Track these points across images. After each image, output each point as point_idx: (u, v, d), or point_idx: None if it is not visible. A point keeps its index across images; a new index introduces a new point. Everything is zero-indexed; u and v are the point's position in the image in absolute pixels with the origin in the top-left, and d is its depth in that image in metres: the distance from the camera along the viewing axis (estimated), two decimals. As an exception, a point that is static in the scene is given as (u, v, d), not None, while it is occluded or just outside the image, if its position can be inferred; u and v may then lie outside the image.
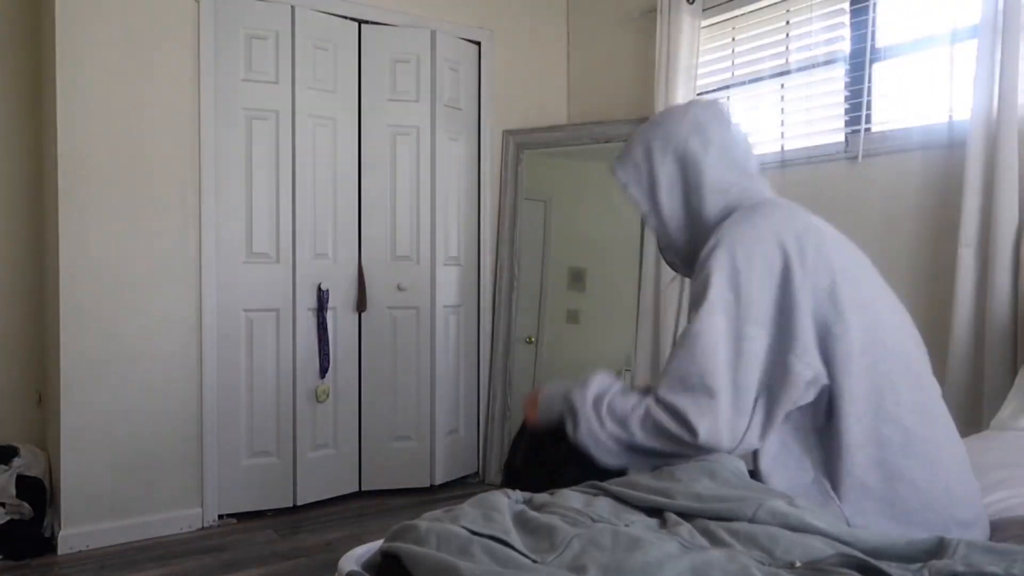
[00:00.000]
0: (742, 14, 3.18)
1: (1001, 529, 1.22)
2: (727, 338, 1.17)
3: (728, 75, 3.25)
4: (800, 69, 2.96)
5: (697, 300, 1.21)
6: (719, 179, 1.33)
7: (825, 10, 2.88)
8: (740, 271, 1.19)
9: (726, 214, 1.30)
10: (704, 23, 3.28)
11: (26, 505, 2.78)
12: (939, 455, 1.19)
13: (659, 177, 1.38)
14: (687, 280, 1.43)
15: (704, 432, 1.15)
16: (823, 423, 1.20)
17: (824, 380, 1.17)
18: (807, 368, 1.15)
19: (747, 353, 1.16)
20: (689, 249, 1.39)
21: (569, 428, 1.28)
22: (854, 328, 1.17)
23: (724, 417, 1.15)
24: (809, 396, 1.17)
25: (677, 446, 1.18)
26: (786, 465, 1.21)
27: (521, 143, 3.84)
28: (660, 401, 1.20)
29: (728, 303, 1.18)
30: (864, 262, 1.28)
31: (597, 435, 1.24)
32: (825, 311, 1.16)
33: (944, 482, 1.17)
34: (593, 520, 1.01)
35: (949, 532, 1.11)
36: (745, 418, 1.16)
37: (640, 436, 1.21)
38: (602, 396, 1.26)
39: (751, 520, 0.99)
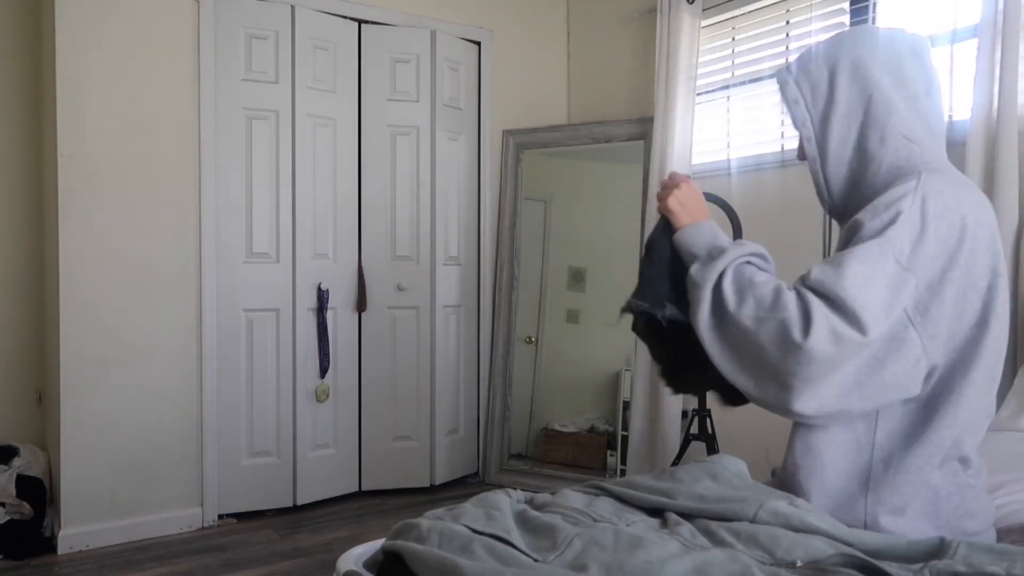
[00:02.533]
0: (742, 14, 3.18)
1: (1002, 536, 1.23)
2: (888, 285, 1.08)
3: (728, 75, 3.25)
4: (800, 69, 2.96)
5: (875, 232, 1.11)
6: (907, 124, 1.21)
7: (825, 10, 2.88)
8: (928, 227, 1.10)
9: (913, 167, 1.19)
10: (704, 23, 3.28)
11: (26, 505, 2.78)
12: (980, 465, 1.20)
13: (838, 102, 1.24)
14: None
15: (870, 329, 1.05)
16: (917, 413, 1.16)
17: (933, 374, 1.13)
18: (924, 355, 1.10)
19: (901, 301, 1.08)
20: (845, 192, 1.28)
21: (695, 268, 1.19)
22: (991, 336, 1.14)
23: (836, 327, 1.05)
24: (916, 384, 1.11)
25: (788, 345, 1.07)
26: (845, 440, 1.17)
27: (521, 143, 3.84)
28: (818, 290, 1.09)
29: (902, 252, 1.09)
30: None
31: (725, 296, 1.14)
32: (975, 308, 1.12)
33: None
34: (594, 519, 1.02)
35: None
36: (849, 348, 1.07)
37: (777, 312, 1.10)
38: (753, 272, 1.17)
39: (752, 520, 0.99)
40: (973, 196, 1.18)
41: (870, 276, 1.07)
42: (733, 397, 1.25)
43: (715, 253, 1.21)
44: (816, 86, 1.26)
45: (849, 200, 1.28)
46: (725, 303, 1.14)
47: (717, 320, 1.16)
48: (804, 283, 1.11)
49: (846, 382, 1.09)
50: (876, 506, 1.14)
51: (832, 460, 1.16)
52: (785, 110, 1.36)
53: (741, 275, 1.16)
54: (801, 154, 1.34)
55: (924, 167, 1.18)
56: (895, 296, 1.07)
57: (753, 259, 1.21)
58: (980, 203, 1.17)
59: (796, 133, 1.34)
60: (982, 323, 1.13)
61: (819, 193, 1.32)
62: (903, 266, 1.08)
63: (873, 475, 1.15)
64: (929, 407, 1.15)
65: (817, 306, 1.07)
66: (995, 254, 1.15)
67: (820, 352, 1.06)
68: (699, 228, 1.28)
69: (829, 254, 1.44)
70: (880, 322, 1.06)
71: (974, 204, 1.16)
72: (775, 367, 1.10)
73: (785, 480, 1.23)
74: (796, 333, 1.07)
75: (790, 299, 1.10)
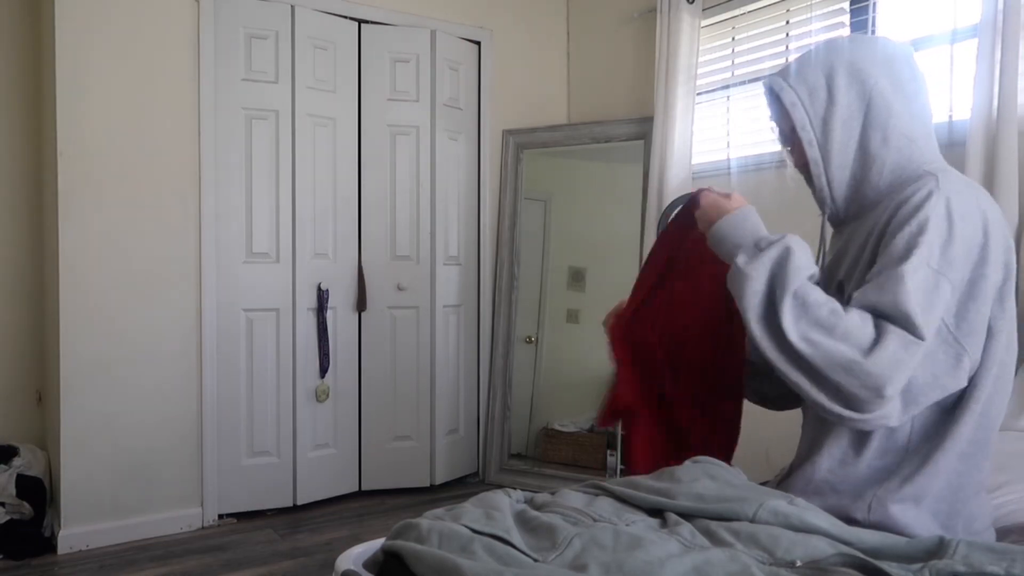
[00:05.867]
0: (742, 14, 3.18)
1: (1002, 536, 1.23)
2: (926, 290, 1.08)
3: (728, 75, 3.25)
4: (800, 69, 2.96)
5: (911, 243, 1.10)
6: (907, 125, 1.22)
7: (825, 10, 2.88)
8: (955, 225, 1.11)
9: (915, 167, 1.21)
10: (704, 23, 3.28)
11: (26, 505, 2.78)
12: (983, 474, 1.21)
13: (838, 106, 1.24)
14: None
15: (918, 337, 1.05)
16: (944, 409, 1.17)
17: (972, 371, 1.13)
18: (965, 353, 1.11)
19: (938, 306, 1.09)
20: (849, 194, 1.27)
21: (742, 259, 1.16)
22: (1005, 332, 1.15)
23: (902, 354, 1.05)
24: (960, 381, 1.12)
25: (849, 363, 1.06)
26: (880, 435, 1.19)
27: (521, 143, 3.84)
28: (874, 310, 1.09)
29: (934, 257, 1.09)
30: None
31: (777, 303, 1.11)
32: (993, 305, 1.14)
33: (984, 485, 1.20)
34: (594, 519, 1.02)
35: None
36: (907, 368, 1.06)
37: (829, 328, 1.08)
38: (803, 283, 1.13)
39: (752, 520, 0.99)
40: (984, 194, 1.20)
41: (918, 287, 1.07)
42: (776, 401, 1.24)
43: (762, 244, 1.18)
44: (814, 90, 1.26)
45: (851, 203, 1.28)
46: (783, 326, 1.10)
47: (772, 331, 1.13)
48: (860, 304, 1.10)
49: (909, 390, 1.10)
50: (889, 494, 1.15)
51: (865, 458, 1.18)
52: (773, 118, 1.34)
53: (802, 298, 1.12)
54: (798, 161, 1.32)
55: (928, 166, 1.19)
56: (934, 299, 1.08)
57: (803, 270, 1.16)
58: (991, 200, 1.20)
59: (781, 144, 1.34)
60: (996, 318, 1.15)
61: (821, 199, 1.31)
62: (935, 269, 1.08)
63: (901, 467, 1.17)
64: (955, 402, 1.17)
65: (880, 325, 1.07)
66: (1008, 250, 1.17)
67: (885, 367, 1.05)
68: (740, 216, 1.25)
69: (823, 257, 1.44)
70: (931, 327, 1.07)
71: (989, 201, 1.17)
72: (840, 385, 1.08)
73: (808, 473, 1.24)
74: (860, 354, 1.06)
75: (852, 322, 1.08)
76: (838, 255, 1.32)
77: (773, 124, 1.36)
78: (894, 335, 1.05)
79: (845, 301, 1.13)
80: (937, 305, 1.08)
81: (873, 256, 1.17)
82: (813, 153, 1.27)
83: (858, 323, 1.07)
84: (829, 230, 1.40)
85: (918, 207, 1.12)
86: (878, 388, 1.05)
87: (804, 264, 1.14)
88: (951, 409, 1.17)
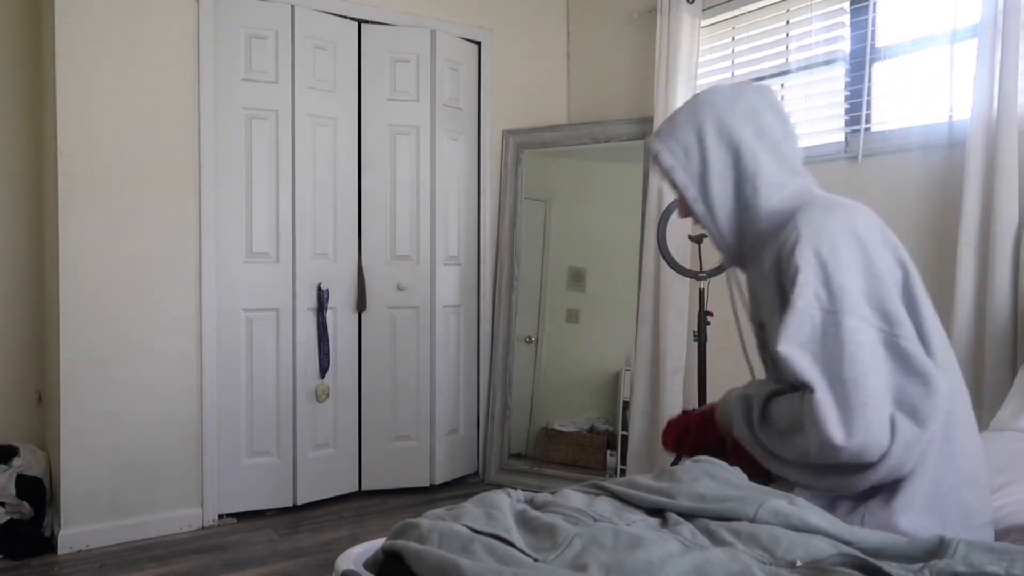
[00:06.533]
0: (742, 14, 3.18)
1: (1001, 536, 1.23)
2: (822, 334, 1.15)
3: (728, 75, 3.25)
4: (800, 69, 2.96)
5: (794, 303, 1.17)
6: (773, 172, 1.31)
7: (825, 10, 2.88)
8: (827, 263, 1.16)
9: (786, 209, 1.28)
10: (704, 23, 3.28)
11: (26, 505, 2.78)
12: (964, 458, 1.20)
13: (711, 162, 1.33)
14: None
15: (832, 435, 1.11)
16: None
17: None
18: (920, 351, 1.13)
19: (850, 344, 1.12)
20: (737, 240, 1.37)
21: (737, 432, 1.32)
22: (927, 326, 1.17)
23: (830, 413, 1.11)
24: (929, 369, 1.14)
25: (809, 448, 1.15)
26: None
27: (521, 143, 3.84)
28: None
29: (821, 297, 1.15)
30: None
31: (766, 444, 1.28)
32: (905, 303, 1.18)
33: (972, 472, 1.20)
34: (594, 519, 1.02)
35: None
36: (861, 414, 1.10)
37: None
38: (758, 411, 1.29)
39: (752, 519, 0.99)
40: (847, 210, 1.24)
41: (812, 352, 1.15)
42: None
43: (744, 412, 1.32)
44: (688, 150, 1.34)
45: (744, 245, 1.37)
46: (770, 448, 1.26)
47: (771, 456, 1.27)
48: (801, 386, 1.16)
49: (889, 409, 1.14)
50: (879, 508, 1.16)
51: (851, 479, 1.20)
52: (660, 176, 1.43)
53: (767, 424, 1.26)
54: (684, 213, 1.43)
55: (804, 203, 1.27)
56: (840, 339, 1.14)
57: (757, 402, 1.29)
58: (857, 210, 1.25)
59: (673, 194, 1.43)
60: (913, 314, 1.17)
61: (718, 246, 1.41)
62: (827, 310, 1.15)
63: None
64: None
65: (822, 403, 1.12)
66: (894, 248, 1.22)
67: (859, 443, 1.10)
68: (724, 407, 1.41)
69: (734, 299, 1.61)
70: (852, 369, 1.13)
71: (853, 214, 1.23)
72: (833, 470, 1.17)
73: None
74: (835, 439, 1.11)
75: (807, 416, 1.14)
76: (753, 294, 1.42)
77: (661, 181, 1.47)
78: (819, 408, 1.11)
79: (771, 344, 1.20)
80: (847, 341, 1.12)
81: (778, 295, 1.23)
82: (699, 208, 1.36)
83: (797, 408, 1.16)
84: (737, 272, 1.48)
85: (789, 258, 1.19)
86: (836, 449, 1.11)
87: (755, 395, 1.29)
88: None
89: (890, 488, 1.16)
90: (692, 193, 1.35)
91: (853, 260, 1.17)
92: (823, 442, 1.10)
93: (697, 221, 1.39)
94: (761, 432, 1.26)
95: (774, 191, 1.30)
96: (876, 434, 1.09)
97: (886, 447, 1.10)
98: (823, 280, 1.15)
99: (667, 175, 1.38)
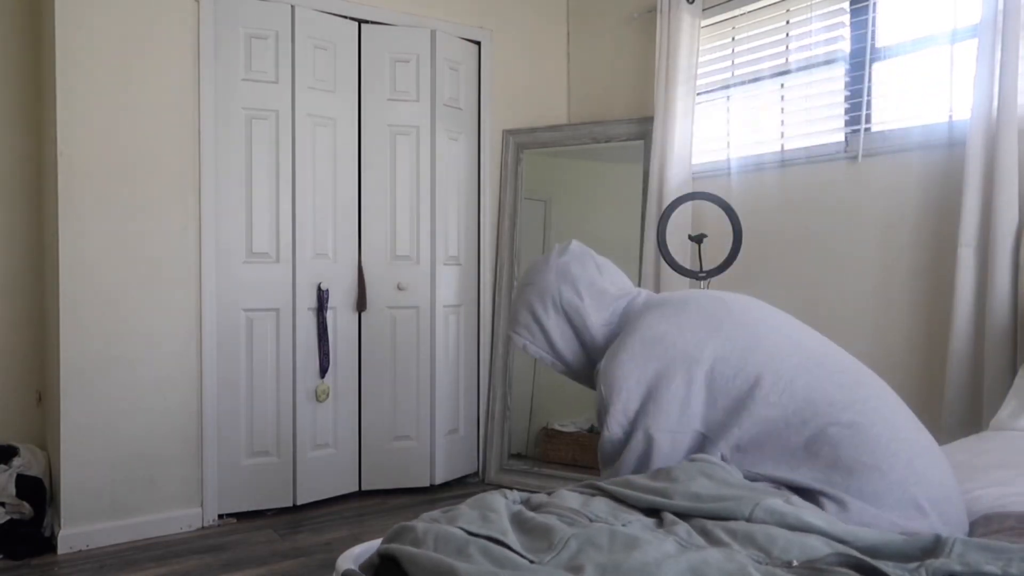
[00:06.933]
0: (742, 14, 3.18)
1: (996, 521, 1.22)
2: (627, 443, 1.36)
3: (728, 75, 3.25)
4: (800, 69, 2.96)
5: (601, 413, 1.38)
6: (597, 313, 1.55)
7: (825, 10, 2.88)
8: (621, 386, 1.36)
9: (615, 330, 1.53)
10: (704, 23, 3.27)
11: (26, 505, 2.78)
12: (893, 437, 1.21)
13: (550, 331, 1.59)
14: None
15: None
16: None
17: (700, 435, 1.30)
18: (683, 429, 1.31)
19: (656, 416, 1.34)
20: (588, 370, 1.63)
21: None
22: (746, 381, 1.28)
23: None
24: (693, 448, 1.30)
25: None
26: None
27: (521, 143, 3.84)
28: None
29: (619, 419, 1.36)
30: (741, 303, 1.41)
31: None
32: (715, 374, 1.30)
33: (906, 458, 1.20)
34: (590, 520, 1.01)
35: (922, 511, 1.14)
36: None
37: None
38: None
39: (748, 519, 0.99)
40: (657, 311, 1.43)
41: (627, 456, 1.36)
42: None
43: None
44: (530, 328, 1.62)
45: (597, 367, 1.55)
46: None
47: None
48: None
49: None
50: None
51: None
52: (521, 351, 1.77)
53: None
54: (557, 369, 1.68)
55: (623, 322, 1.52)
56: (636, 449, 1.36)
57: None
58: (668, 308, 1.44)
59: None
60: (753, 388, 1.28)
61: (579, 381, 1.69)
62: (645, 430, 1.34)
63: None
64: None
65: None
66: (699, 343, 1.34)
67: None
68: None
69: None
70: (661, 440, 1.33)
71: (661, 316, 1.41)
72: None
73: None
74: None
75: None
76: None
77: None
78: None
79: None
80: (655, 418, 1.32)
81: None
82: (558, 367, 1.64)
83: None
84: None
85: (600, 382, 1.42)
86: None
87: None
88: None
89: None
90: (548, 359, 1.63)
91: (648, 373, 1.35)
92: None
93: (561, 372, 1.66)
94: None
95: (602, 324, 1.56)
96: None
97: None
98: (624, 402, 1.37)
99: (526, 352, 1.64)
